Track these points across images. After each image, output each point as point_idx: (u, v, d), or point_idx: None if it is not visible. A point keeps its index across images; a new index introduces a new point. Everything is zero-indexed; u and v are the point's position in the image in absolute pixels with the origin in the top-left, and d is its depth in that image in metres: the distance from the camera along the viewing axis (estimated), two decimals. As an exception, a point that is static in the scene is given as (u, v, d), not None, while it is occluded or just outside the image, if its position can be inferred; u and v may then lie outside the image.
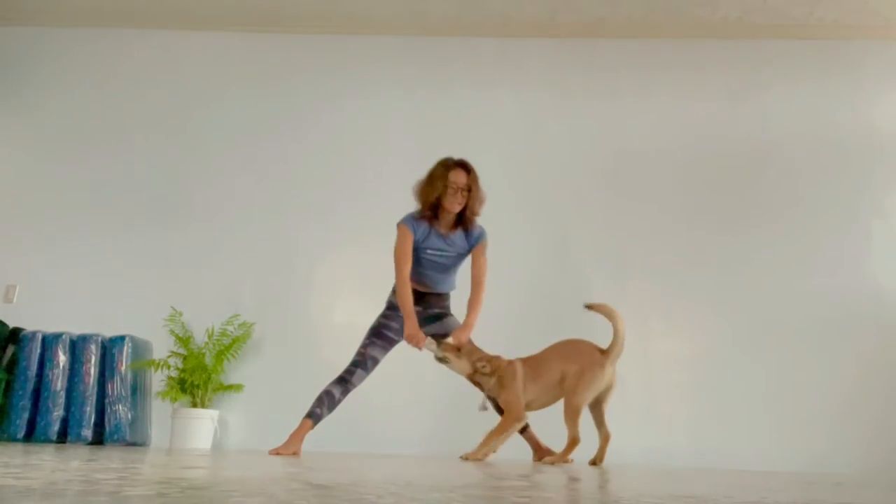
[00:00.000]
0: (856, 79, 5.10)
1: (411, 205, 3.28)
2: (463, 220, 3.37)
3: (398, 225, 3.38)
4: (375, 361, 3.39)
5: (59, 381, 4.18)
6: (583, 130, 5.12)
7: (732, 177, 4.96)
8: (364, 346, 3.40)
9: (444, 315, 3.49)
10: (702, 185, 4.96)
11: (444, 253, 3.38)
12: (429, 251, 3.37)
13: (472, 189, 3.32)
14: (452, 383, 3.26)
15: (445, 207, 3.32)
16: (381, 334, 3.41)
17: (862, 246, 4.75)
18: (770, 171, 4.96)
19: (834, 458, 4.25)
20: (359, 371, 3.35)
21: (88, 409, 4.15)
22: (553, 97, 5.20)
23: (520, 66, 5.28)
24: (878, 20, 5.05)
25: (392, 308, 3.44)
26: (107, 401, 4.21)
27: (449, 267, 3.43)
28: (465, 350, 3.22)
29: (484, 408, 3.29)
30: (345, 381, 3.33)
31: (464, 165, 3.37)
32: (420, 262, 3.38)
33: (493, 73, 5.26)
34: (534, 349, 4.78)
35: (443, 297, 3.52)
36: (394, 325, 3.41)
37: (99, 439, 4.16)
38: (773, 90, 5.13)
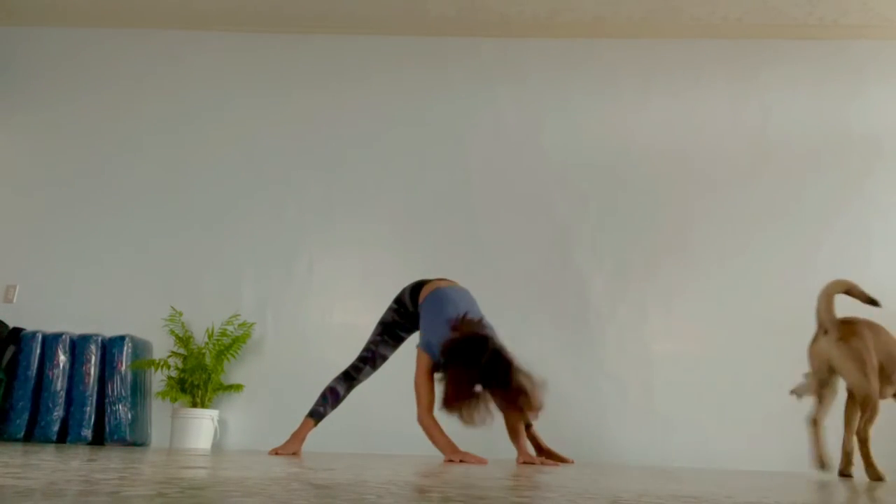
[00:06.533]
0: (856, 79, 5.10)
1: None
2: None
3: (417, 347, 3.07)
4: (384, 359, 3.31)
5: (59, 381, 4.18)
6: (583, 130, 5.12)
7: (732, 176, 4.96)
8: (374, 342, 3.29)
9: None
10: (701, 184, 4.96)
11: None
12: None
13: None
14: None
15: None
16: (392, 332, 3.30)
17: (862, 246, 4.75)
18: (770, 171, 4.96)
19: (833, 458, 4.24)
20: (366, 368, 3.27)
21: (88, 409, 4.15)
22: (553, 97, 5.19)
23: (520, 66, 5.28)
24: (878, 20, 5.05)
25: (400, 303, 3.31)
26: (107, 401, 4.20)
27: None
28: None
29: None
30: (351, 378, 3.26)
31: None
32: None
33: (493, 73, 5.26)
34: (533, 349, 4.77)
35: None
36: (404, 322, 3.29)
37: (99, 439, 4.16)
38: (773, 90, 5.12)
